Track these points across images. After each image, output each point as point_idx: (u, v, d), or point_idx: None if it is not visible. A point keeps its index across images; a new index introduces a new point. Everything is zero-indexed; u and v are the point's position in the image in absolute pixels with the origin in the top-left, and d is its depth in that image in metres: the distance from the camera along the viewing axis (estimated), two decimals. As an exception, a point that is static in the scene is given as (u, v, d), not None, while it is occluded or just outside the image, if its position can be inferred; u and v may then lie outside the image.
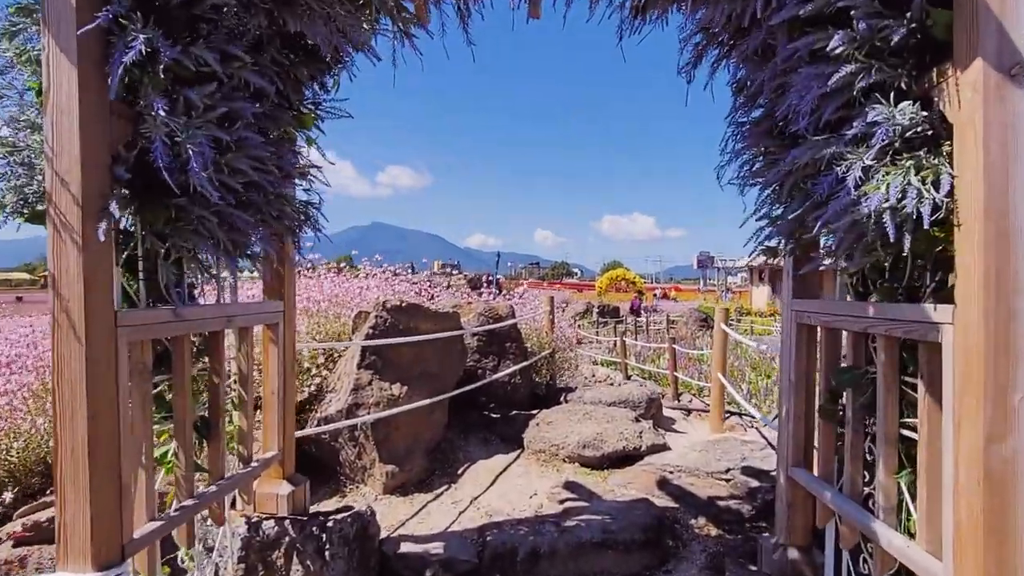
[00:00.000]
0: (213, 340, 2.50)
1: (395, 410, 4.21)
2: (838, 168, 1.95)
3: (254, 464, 2.86)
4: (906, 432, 2.09)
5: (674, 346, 9.65)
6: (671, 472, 4.21)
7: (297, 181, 2.80)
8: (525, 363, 5.70)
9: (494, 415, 5.47)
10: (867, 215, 1.82)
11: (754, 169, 2.74)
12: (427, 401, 4.49)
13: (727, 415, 7.43)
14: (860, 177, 1.86)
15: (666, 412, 6.50)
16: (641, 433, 4.75)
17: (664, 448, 4.70)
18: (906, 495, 2.08)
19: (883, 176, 1.81)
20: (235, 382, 2.90)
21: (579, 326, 23.65)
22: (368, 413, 4.16)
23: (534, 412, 5.33)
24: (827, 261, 2.29)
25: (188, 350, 2.25)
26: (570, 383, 7.34)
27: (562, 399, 5.84)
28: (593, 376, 13.28)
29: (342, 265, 7.20)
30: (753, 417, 6.71)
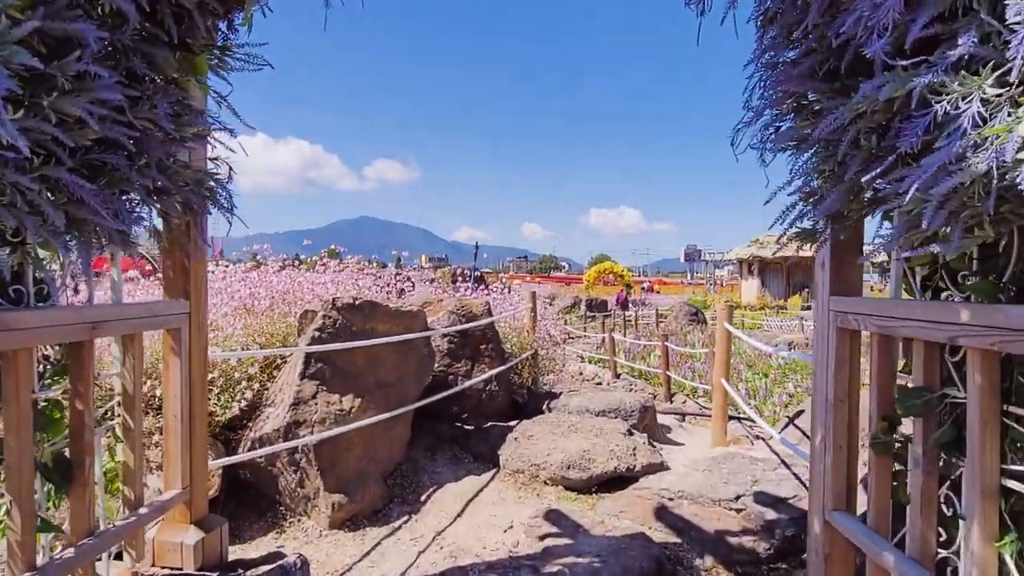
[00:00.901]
0: (74, 353, 1.84)
1: (345, 427, 3.54)
2: (939, 106, 1.30)
3: (143, 510, 2.20)
4: (1011, 483, 1.48)
5: (666, 344, 9.05)
6: (671, 499, 3.58)
7: (191, 145, 2.10)
8: (503, 367, 5.05)
9: (468, 426, 4.81)
10: (985, 172, 1.18)
11: (787, 128, 2.10)
12: (385, 415, 3.83)
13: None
14: (978, 116, 1.21)
15: (660, 418, 5.89)
16: (635, 450, 4.12)
17: (661, 467, 4.07)
18: (1012, 570, 1.46)
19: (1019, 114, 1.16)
20: (119, 405, 2.23)
21: (566, 321, 23.05)
22: (311, 432, 3.49)
23: (512, 424, 4.68)
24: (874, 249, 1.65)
25: (25, 369, 1.61)
26: (555, 386, 6.70)
27: (545, 407, 5.19)
28: (580, 374, 12.65)
29: (321, 257, 6.50)
30: (752, 422, 6.12)
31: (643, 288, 47.12)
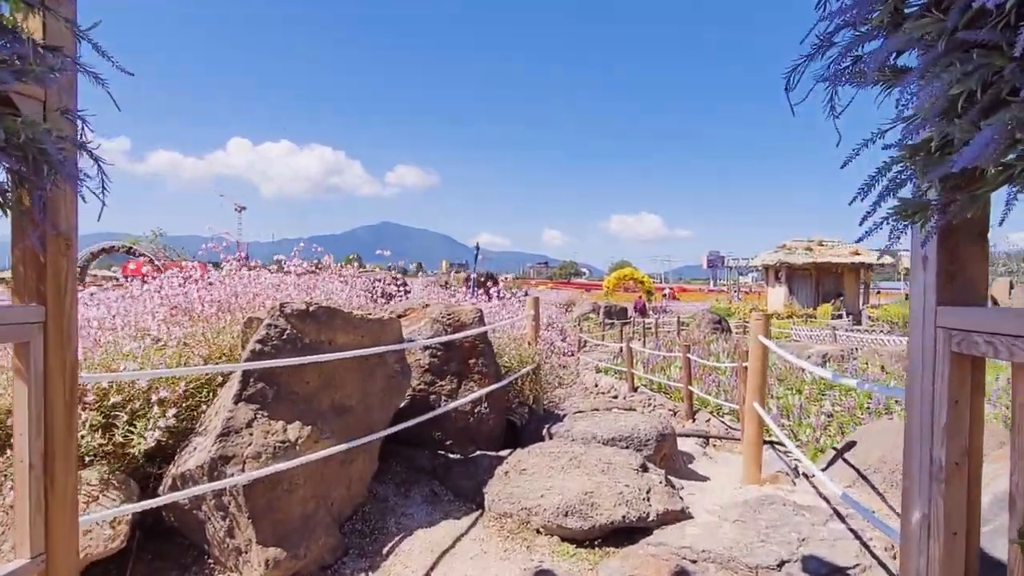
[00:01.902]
0: None
1: (287, 463, 2.84)
2: None
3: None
4: None
5: (689, 355, 8.24)
6: (693, 561, 2.81)
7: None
8: (496, 385, 4.32)
9: (452, 454, 4.09)
10: None
11: (879, 48, 1.37)
12: (342, 447, 3.13)
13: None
14: None
15: (681, 444, 5.10)
16: (649, 492, 3.36)
17: (682, 515, 3.30)
18: None
19: None
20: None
21: (584, 328, 22.23)
22: (241, 470, 2.80)
23: (505, 454, 3.95)
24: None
25: None
26: (563, 403, 5.95)
27: (545, 433, 4.44)
28: (596, 386, 11.85)
29: (316, 264, 5.85)
30: (783, 447, 5.30)
31: (664, 295, 46.05)
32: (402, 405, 4.02)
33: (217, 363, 3.54)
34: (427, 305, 4.55)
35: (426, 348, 4.16)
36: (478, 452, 4.11)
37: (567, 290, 42.65)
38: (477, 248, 15.17)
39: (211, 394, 3.46)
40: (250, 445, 2.86)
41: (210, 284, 4.19)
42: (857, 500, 2.86)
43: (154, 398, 2.88)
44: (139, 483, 3.01)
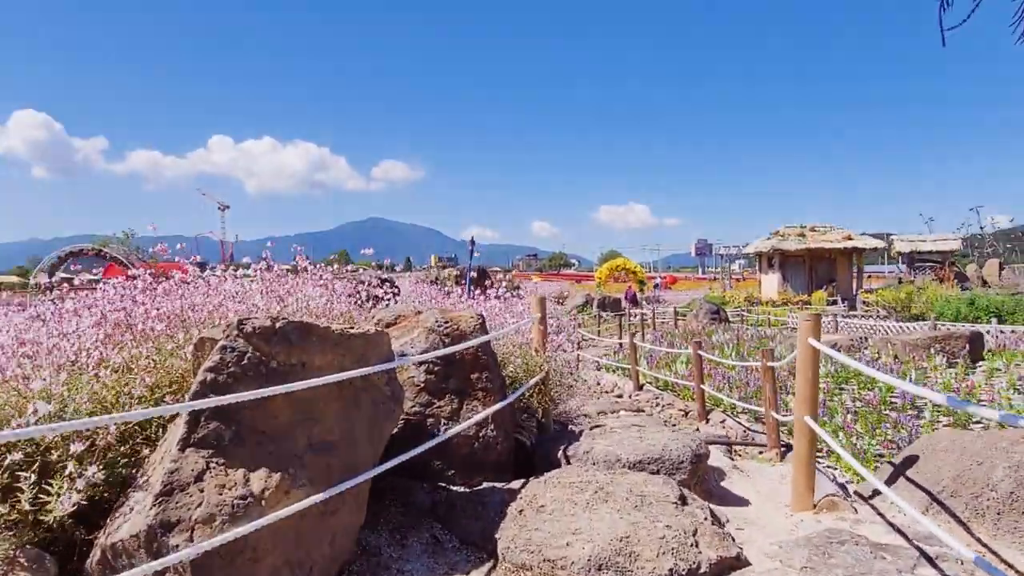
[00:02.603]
0: None
1: (248, 526, 2.23)
2: None
3: None
4: None
5: (700, 352, 7.69)
6: (765, 631, 2.25)
7: None
8: (502, 403, 3.72)
9: (454, 487, 3.50)
10: None
11: None
12: (320, 496, 2.52)
13: (784, 447, 5.49)
14: None
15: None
16: (695, 534, 2.78)
17: (738, 563, 2.73)
18: None
19: None
20: None
21: (579, 322, 21.68)
22: (189, 539, 2.18)
23: (517, 486, 3.36)
24: None
25: None
26: (575, 415, 5.38)
27: (560, 455, 3.85)
28: (598, 384, 11.28)
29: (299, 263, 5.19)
30: (827, 457, 4.71)
31: (656, 285, 45.63)
32: (394, 431, 3.42)
33: (165, 393, 2.92)
34: (420, 312, 3.93)
35: (420, 364, 3.55)
36: (485, 484, 3.52)
37: (558, 282, 42.12)
38: (472, 242, 14.44)
39: (160, 430, 2.84)
40: (200, 505, 2.25)
41: (165, 293, 3.54)
42: (934, 530, 2.31)
43: (73, 448, 2.25)
44: (63, 553, 2.39)
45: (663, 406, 8.59)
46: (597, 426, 4.38)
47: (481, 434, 3.60)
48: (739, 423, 7.09)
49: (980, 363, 9.05)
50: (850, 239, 29.08)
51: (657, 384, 9.81)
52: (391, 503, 3.28)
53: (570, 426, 4.42)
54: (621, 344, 13.88)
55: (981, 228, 42.32)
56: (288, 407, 2.63)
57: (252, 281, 3.92)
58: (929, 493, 3.18)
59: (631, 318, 23.96)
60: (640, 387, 9.77)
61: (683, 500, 3.10)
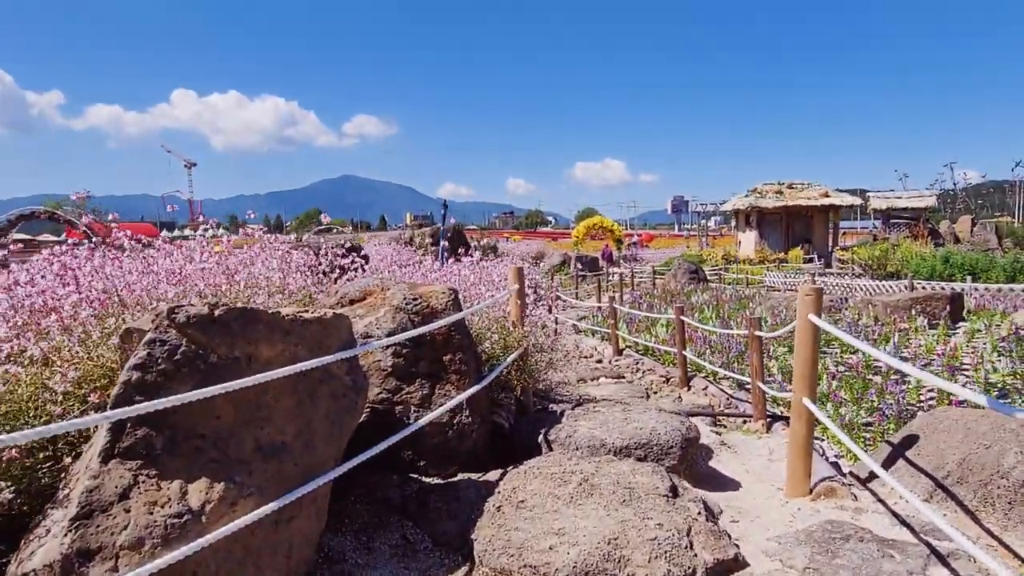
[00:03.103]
0: None
1: (187, 548, 1.93)
2: None
3: None
4: None
5: (682, 318, 7.47)
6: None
7: None
8: (478, 386, 3.43)
9: (427, 479, 3.23)
10: None
11: None
12: (272, 505, 2.22)
13: (770, 418, 5.33)
14: None
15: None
16: (690, 532, 2.55)
17: (736, 564, 2.52)
18: None
19: None
20: None
21: (557, 283, 21.44)
22: (114, 569, 1.87)
23: (494, 477, 3.10)
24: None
25: None
26: (553, 387, 5.13)
27: (541, 440, 3.60)
28: (577, 348, 11.08)
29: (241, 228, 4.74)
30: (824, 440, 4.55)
31: (633, 243, 45.53)
32: (361, 420, 3.11)
33: (95, 387, 2.56)
34: (387, 287, 3.58)
35: (388, 347, 3.23)
36: (460, 475, 3.25)
37: (536, 241, 41.77)
38: (445, 205, 13.86)
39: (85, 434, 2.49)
40: (126, 528, 1.93)
41: (96, 271, 3.13)
42: (943, 524, 2.10)
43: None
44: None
45: (644, 372, 8.43)
46: (579, 405, 4.13)
47: (455, 421, 3.31)
48: (722, 390, 6.93)
49: (960, 323, 9.02)
50: (827, 196, 29.07)
51: (637, 348, 9.63)
52: (357, 500, 3.00)
53: (551, 406, 4.17)
54: (600, 307, 13.69)
55: (954, 184, 42.77)
56: (232, 406, 2.30)
57: (207, 247, 3.51)
58: (933, 478, 3.00)
59: (609, 277, 23.81)
60: (620, 352, 9.60)
61: (674, 492, 2.87)
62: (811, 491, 3.21)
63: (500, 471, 3.16)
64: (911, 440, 3.38)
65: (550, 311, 12.14)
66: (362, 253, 5.75)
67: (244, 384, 2.20)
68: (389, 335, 3.22)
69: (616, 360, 9.28)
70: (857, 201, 31.31)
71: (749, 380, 6.60)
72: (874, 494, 3.14)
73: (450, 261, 5.57)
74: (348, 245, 5.45)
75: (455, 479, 3.22)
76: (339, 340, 2.72)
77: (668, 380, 7.82)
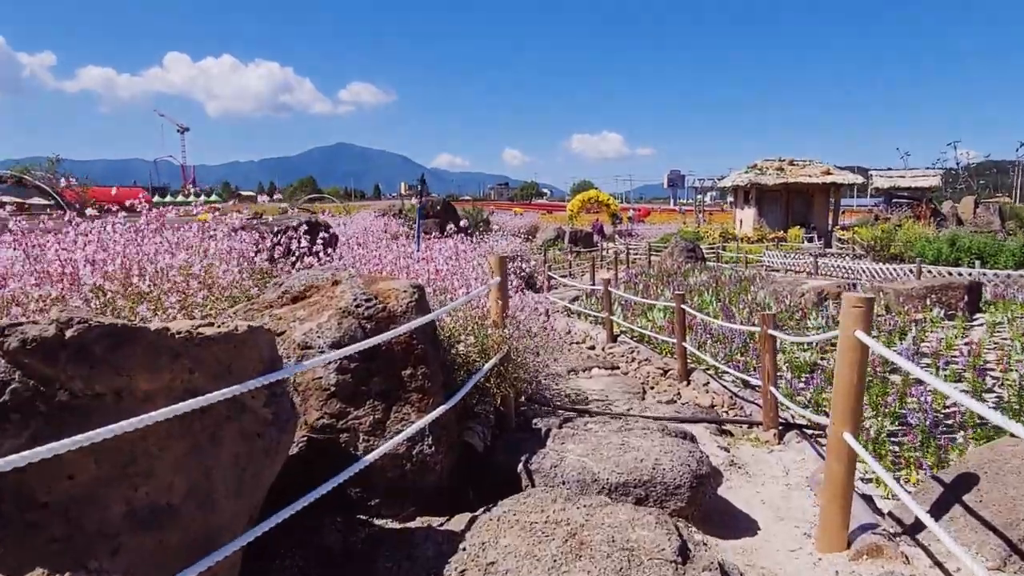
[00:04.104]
0: None
1: None
2: None
3: None
4: None
5: (683, 306, 6.87)
6: None
7: None
8: (445, 407, 2.81)
9: (377, 523, 2.63)
10: None
11: None
12: (145, 599, 1.61)
13: (782, 426, 4.76)
14: None
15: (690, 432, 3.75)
16: (705, 620, 1.97)
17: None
18: None
19: None
20: None
21: (554, 260, 20.79)
22: None
23: (459, 526, 2.50)
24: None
25: None
26: (539, 381, 4.53)
27: (521, 470, 2.99)
28: (568, 333, 10.47)
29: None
30: (811, 429, 3.98)
31: (629, 218, 44.75)
32: (296, 451, 2.50)
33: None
34: (338, 281, 2.94)
35: (331, 363, 2.59)
36: (420, 519, 2.65)
37: (530, 213, 40.96)
38: (422, 182, 12.92)
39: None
40: None
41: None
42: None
43: None
44: None
45: (639, 362, 7.84)
46: (567, 421, 3.52)
47: (415, 451, 2.70)
48: (724, 386, 6.37)
49: (978, 315, 8.46)
50: (829, 174, 28.33)
51: (632, 335, 9.05)
52: (287, 552, 2.40)
53: (535, 422, 3.55)
54: (593, 287, 13.07)
55: (957, 164, 42.07)
56: (93, 461, 1.67)
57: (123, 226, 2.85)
58: (1005, 539, 2.42)
59: (604, 253, 23.16)
60: (614, 338, 9.01)
61: (684, 554, 2.28)
62: (848, 544, 2.64)
63: (468, 516, 2.56)
64: (968, 481, 2.79)
65: (546, 289, 11.50)
66: (329, 232, 5.07)
67: (107, 434, 1.57)
68: (334, 346, 2.59)
69: (610, 347, 8.70)
70: (859, 180, 30.61)
71: (753, 378, 6.06)
72: (928, 552, 2.57)
73: (433, 242, 4.90)
74: (310, 221, 4.79)
75: (413, 524, 2.62)
76: (256, 361, 2.08)
77: (666, 372, 7.24)
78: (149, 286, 2.54)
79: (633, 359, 7.97)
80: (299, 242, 4.01)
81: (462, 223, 8.17)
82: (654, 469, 2.82)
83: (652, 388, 6.73)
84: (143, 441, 1.76)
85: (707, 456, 3.02)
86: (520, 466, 3.01)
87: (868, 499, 3.33)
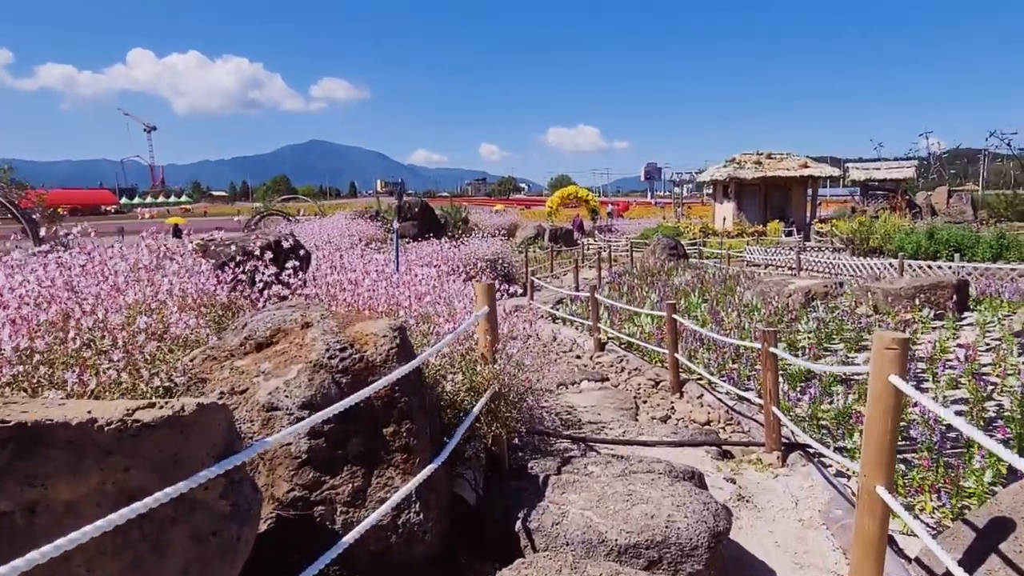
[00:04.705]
0: None
1: None
2: None
3: None
4: None
5: (675, 316, 6.63)
6: None
7: None
8: (434, 465, 2.52)
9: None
10: None
11: None
12: None
13: (784, 447, 4.53)
14: None
15: (687, 459, 3.50)
16: None
17: None
18: None
19: None
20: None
21: (535, 259, 20.50)
22: None
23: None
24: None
25: None
26: (537, 408, 4.24)
27: (519, 528, 2.70)
28: (554, 340, 10.22)
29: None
30: (824, 457, 3.76)
31: (608, 213, 44.66)
32: (262, 529, 2.18)
33: None
34: (309, 323, 2.61)
35: (302, 434, 2.27)
36: (406, 600, 2.35)
37: (509, 210, 40.63)
38: (401, 184, 12.57)
39: None
40: None
41: None
42: None
43: None
44: None
45: (629, 372, 7.60)
46: (566, 462, 3.24)
47: (401, 520, 2.39)
48: (720, 400, 6.15)
49: (967, 314, 8.37)
50: (806, 167, 28.45)
51: (620, 343, 8.81)
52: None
53: (530, 465, 3.26)
54: (577, 289, 12.81)
55: (929, 153, 42.68)
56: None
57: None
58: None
59: (585, 250, 22.95)
60: (602, 346, 8.76)
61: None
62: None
63: (463, 593, 2.27)
64: (1003, 527, 2.57)
65: (528, 294, 11.19)
66: (300, 253, 4.72)
67: (11, 573, 1.24)
68: (304, 407, 2.27)
69: (598, 356, 8.45)
70: (836, 172, 30.83)
71: (750, 391, 5.86)
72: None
73: (412, 249, 4.56)
74: (277, 243, 4.44)
75: (399, 608, 2.32)
76: (209, 446, 1.76)
77: (657, 384, 7.01)
78: (87, 341, 2.20)
79: (623, 368, 7.73)
80: (265, 269, 3.66)
81: (441, 222, 7.83)
82: (667, 528, 2.55)
83: (645, 402, 6.49)
84: (65, 563, 1.43)
85: (724, 509, 2.76)
86: (518, 524, 2.71)
87: (890, 539, 3.10)
